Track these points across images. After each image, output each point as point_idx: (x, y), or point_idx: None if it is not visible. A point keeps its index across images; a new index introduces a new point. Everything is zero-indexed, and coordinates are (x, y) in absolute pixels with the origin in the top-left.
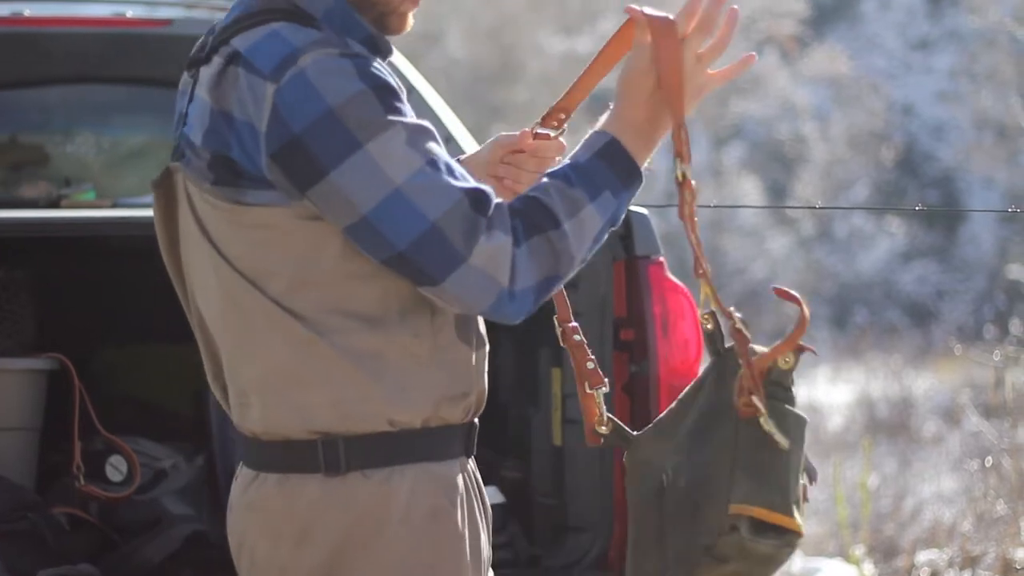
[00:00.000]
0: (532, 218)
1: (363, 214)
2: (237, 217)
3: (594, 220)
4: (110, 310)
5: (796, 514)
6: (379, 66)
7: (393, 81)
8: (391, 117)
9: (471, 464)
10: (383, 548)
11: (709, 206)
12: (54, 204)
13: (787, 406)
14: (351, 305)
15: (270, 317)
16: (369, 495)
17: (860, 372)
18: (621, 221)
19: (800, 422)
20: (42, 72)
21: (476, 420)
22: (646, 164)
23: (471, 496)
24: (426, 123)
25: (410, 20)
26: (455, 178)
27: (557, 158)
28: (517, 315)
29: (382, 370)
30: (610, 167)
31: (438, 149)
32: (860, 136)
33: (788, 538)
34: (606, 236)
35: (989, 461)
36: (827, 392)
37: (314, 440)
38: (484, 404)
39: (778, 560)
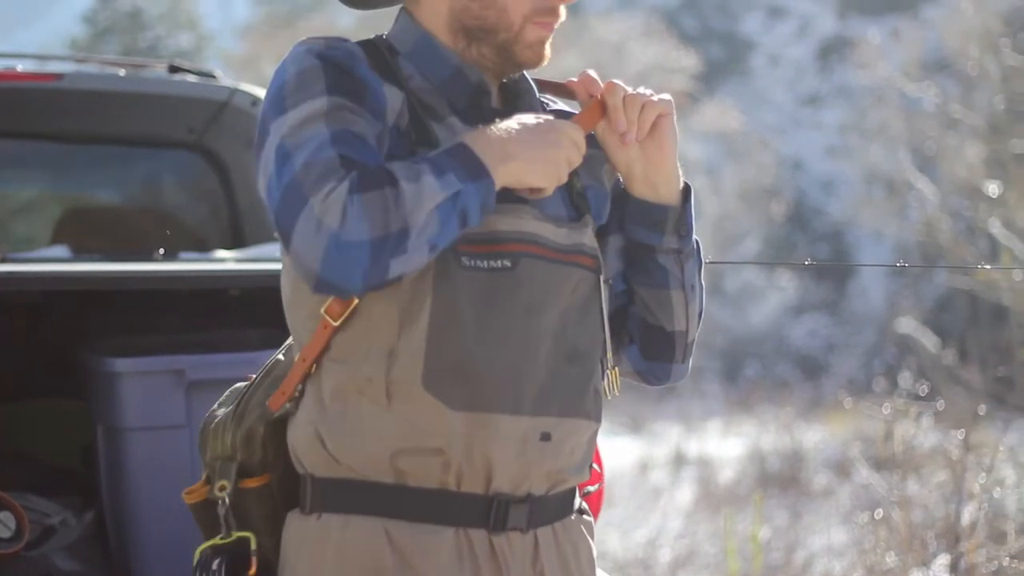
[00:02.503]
0: (371, 175)
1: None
2: None
3: (434, 190)
4: None
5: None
6: (350, 51)
7: (349, 62)
8: (325, 88)
9: (493, 540)
10: None
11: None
12: None
13: None
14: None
15: None
16: (316, 540)
17: (751, 425)
18: (472, 218)
19: None
20: None
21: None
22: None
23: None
24: (349, 105)
25: (545, 52)
26: (347, 145)
27: None
28: (347, 276)
29: (340, 411)
30: (454, 158)
31: (353, 124)
32: (750, 191)
33: None
34: (455, 225)
35: (879, 513)
36: (718, 445)
37: (304, 476)
38: (504, 478)
39: None
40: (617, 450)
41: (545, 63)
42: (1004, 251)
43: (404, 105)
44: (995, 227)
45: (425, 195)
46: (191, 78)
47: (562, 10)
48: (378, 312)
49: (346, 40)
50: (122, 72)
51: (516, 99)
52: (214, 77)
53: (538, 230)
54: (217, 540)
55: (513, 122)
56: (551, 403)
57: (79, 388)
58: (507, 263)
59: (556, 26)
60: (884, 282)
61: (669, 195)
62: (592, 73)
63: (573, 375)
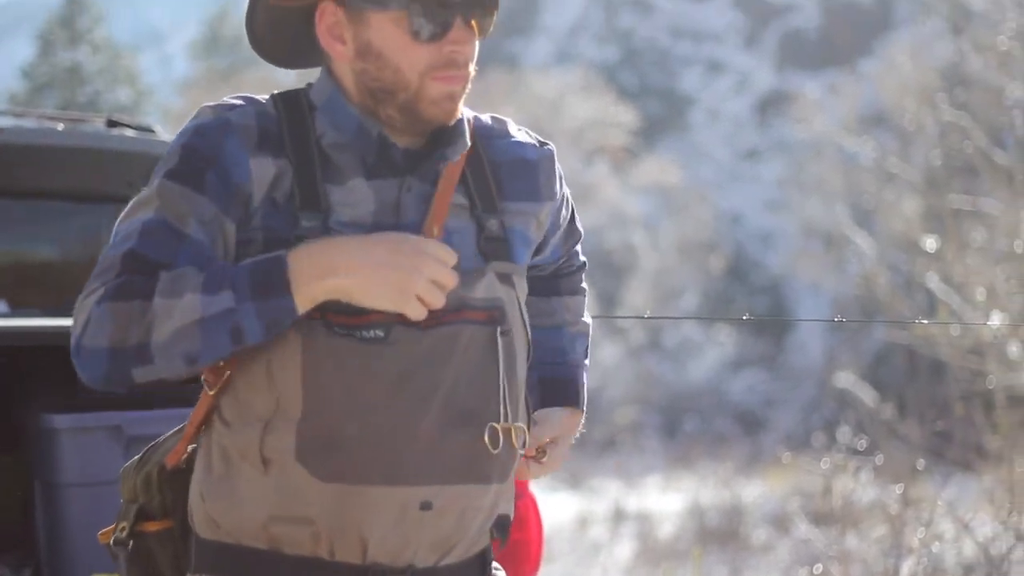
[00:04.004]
0: (133, 284)
1: None
2: None
3: (192, 308)
4: None
5: None
6: (226, 123)
7: (217, 137)
8: (165, 171)
9: None
10: None
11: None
12: None
13: None
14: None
15: None
16: None
17: (691, 480)
18: (251, 336)
19: None
20: None
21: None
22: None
23: None
24: (179, 189)
25: (454, 107)
26: (151, 238)
27: None
28: (89, 376)
29: (222, 474)
30: (250, 275)
31: (173, 213)
32: (689, 245)
33: None
34: (225, 341)
35: (818, 568)
36: (658, 500)
37: (193, 535)
38: (387, 551)
39: None
40: (556, 505)
41: (455, 119)
42: (942, 306)
43: (285, 173)
44: (933, 282)
45: (178, 312)
46: (130, 133)
47: (468, 62)
48: (255, 381)
49: (244, 103)
50: (61, 126)
51: (443, 140)
52: (153, 132)
53: None
54: None
55: (375, 238)
56: (434, 471)
57: (17, 443)
58: (379, 333)
59: (466, 79)
60: (822, 337)
61: None
62: None
63: (463, 439)
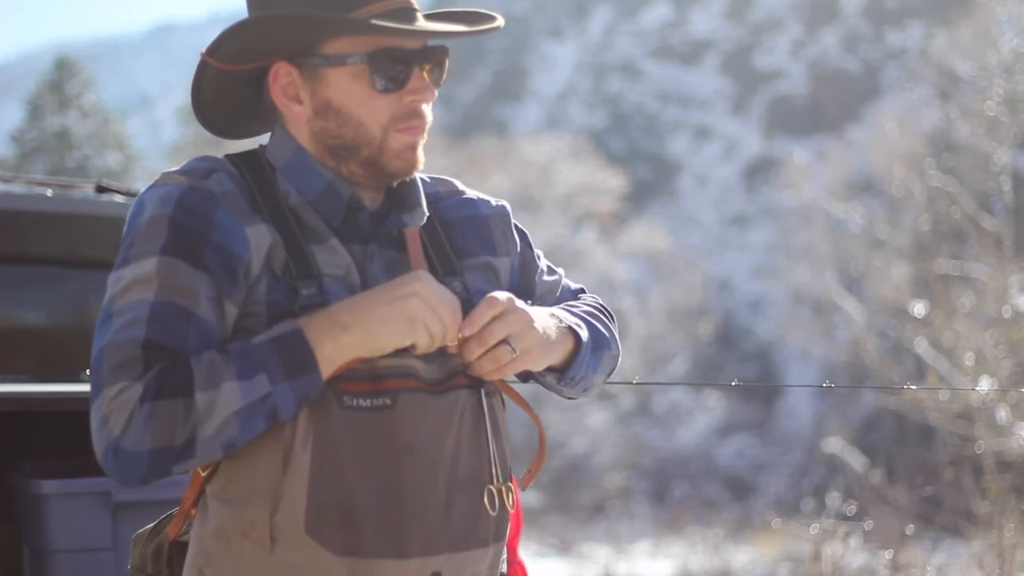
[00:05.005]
0: (167, 381)
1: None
2: None
3: (232, 398)
4: None
5: None
6: (210, 193)
7: (206, 207)
8: (161, 247)
9: None
10: None
11: (528, 381)
12: None
13: None
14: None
15: None
16: None
17: (680, 546)
18: (286, 413)
19: None
20: None
21: None
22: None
23: None
24: (182, 266)
25: (416, 157)
26: (162, 323)
27: None
28: (125, 477)
29: (223, 553)
30: (276, 353)
31: (180, 292)
32: (678, 311)
33: None
34: (261, 424)
35: None
36: (647, 567)
37: None
38: None
39: None
40: (546, 571)
41: (419, 168)
42: (930, 371)
43: (278, 241)
44: (921, 347)
45: (219, 405)
46: (118, 198)
47: (427, 112)
48: (260, 454)
49: (214, 168)
50: (49, 192)
51: (400, 201)
52: None
53: (415, 364)
54: None
55: (372, 290)
56: (441, 540)
57: (6, 509)
58: (387, 401)
59: (425, 128)
60: (812, 402)
61: (553, 361)
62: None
63: (465, 505)
